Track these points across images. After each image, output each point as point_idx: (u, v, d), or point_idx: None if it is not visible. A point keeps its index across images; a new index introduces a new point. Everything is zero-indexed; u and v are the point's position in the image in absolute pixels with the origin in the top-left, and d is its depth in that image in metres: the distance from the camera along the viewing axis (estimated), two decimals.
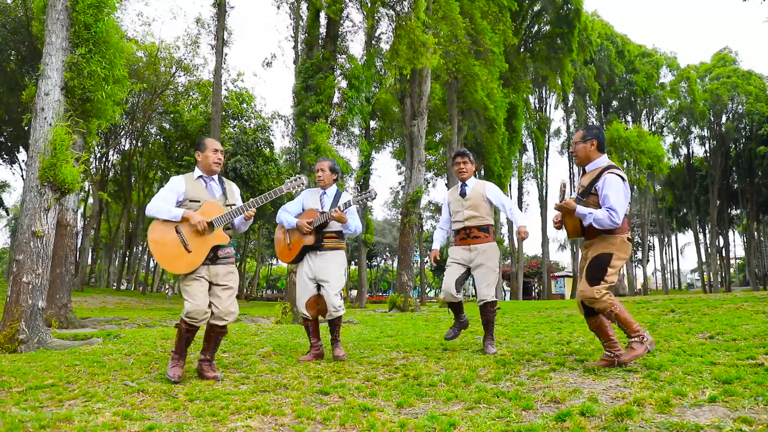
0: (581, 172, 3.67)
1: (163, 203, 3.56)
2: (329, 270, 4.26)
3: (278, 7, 14.63)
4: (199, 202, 3.60)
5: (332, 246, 4.33)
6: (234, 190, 3.91)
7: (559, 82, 29.18)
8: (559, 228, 3.74)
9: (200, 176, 3.72)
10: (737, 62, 40.37)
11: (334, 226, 4.32)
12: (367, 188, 28.33)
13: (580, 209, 3.39)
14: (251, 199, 3.66)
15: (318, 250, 4.28)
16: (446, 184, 23.69)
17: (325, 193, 4.44)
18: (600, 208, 3.37)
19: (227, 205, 3.70)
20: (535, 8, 27.17)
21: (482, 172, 25.19)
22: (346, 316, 9.60)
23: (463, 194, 4.51)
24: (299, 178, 3.85)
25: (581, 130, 3.60)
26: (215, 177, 3.80)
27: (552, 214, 4.28)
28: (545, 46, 27.44)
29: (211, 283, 3.57)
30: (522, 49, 27.55)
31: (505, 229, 36.13)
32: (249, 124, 28.15)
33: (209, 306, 3.51)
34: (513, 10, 21.94)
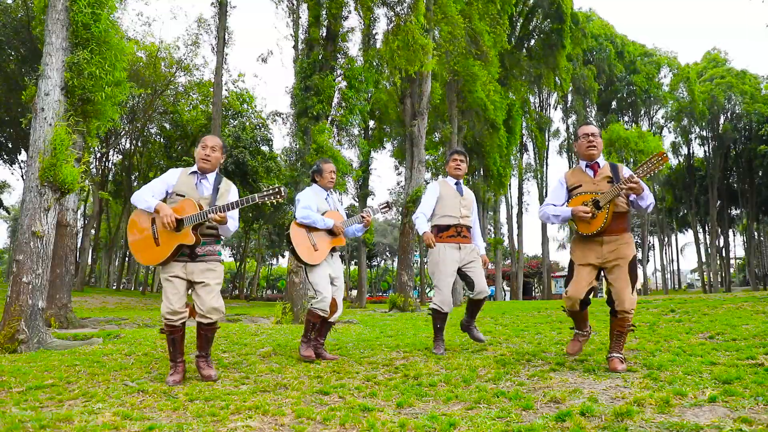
0: (589, 166, 3.59)
1: (145, 192, 3.49)
2: (341, 272, 4.42)
3: (276, 5, 14.67)
4: (184, 197, 3.51)
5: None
6: (230, 193, 3.68)
7: (557, 80, 29.16)
8: (587, 221, 3.39)
9: (194, 172, 3.63)
10: (728, 62, 40.43)
11: None
12: (367, 187, 28.29)
13: (646, 187, 3.33)
14: (220, 205, 3.40)
15: (333, 252, 4.37)
16: None
17: (329, 194, 4.48)
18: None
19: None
20: (529, 1, 27.21)
21: (482, 172, 25.19)
22: (345, 316, 9.61)
23: (460, 192, 4.55)
24: (278, 188, 3.41)
25: (593, 126, 3.62)
26: (209, 176, 3.65)
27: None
28: (541, 43, 27.50)
29: (190, 282, 3.50)
30: (523, 49, 27.55)
31: (505, 229, 36.08)
32: (248, 123, 28.22)
33: (186, 306, 3.50)
34: (510, 13, 21.97)
